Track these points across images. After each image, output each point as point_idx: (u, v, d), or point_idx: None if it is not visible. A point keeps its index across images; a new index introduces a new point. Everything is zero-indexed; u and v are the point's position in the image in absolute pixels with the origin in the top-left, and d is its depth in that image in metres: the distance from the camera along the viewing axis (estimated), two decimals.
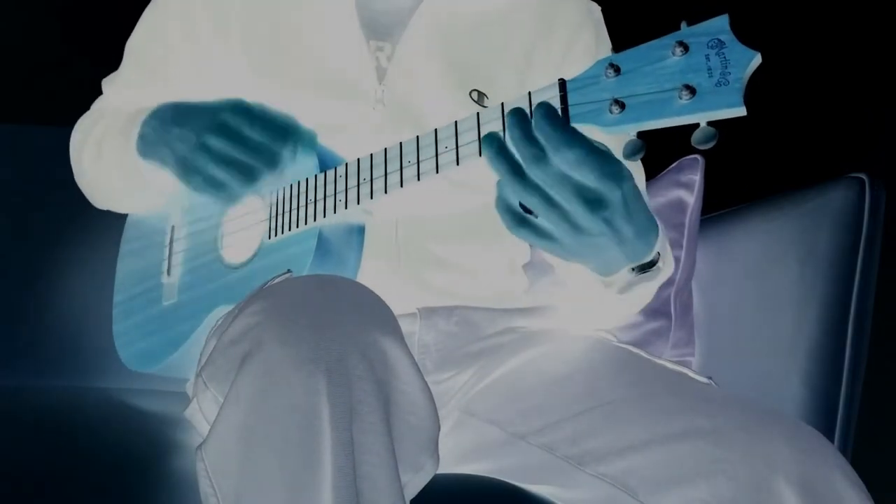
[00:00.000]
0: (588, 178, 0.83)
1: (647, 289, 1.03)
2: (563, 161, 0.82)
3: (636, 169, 1.19)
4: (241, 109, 1.05)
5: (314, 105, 1.13)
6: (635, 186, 0.87)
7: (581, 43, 1.20)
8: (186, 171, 1.08)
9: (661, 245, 0.97)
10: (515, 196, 0.84)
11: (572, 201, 0.83)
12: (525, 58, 1.19)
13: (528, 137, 0.82)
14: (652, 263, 0.96)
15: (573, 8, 1.22)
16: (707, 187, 1.55)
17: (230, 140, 1.04)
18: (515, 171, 0.83)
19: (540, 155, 0.82)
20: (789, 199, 1.41)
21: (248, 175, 1.04)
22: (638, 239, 0.90)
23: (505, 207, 0.86)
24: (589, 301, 1.08)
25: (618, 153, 0.83)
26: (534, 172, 0.83)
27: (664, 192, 1.55)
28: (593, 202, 0.84)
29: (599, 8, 1.25)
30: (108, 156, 1.21)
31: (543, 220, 0.85)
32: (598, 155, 0.82)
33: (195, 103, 1.11)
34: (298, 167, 1.07)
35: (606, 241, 0.88)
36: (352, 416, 0.78)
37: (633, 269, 0.95)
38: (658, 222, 0.97)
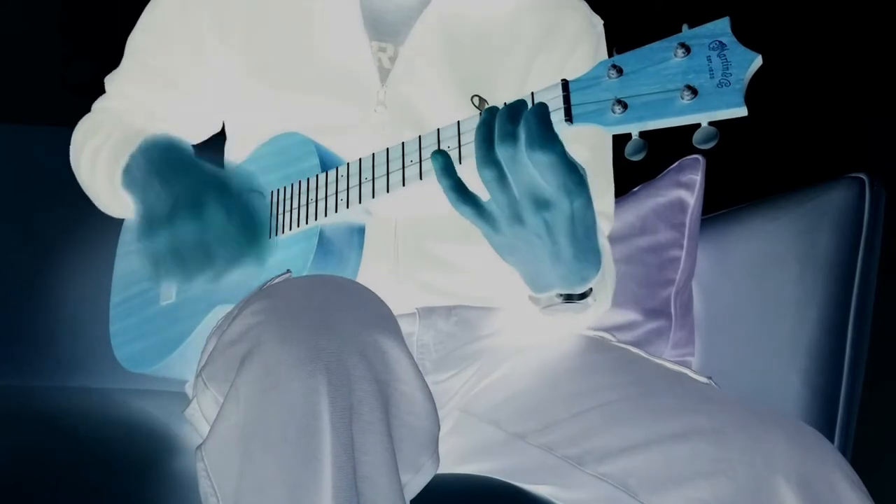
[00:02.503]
0: (548, 180, 0.85)
1: (574, 319, 1.04)
2: (532, 158, 0.84)
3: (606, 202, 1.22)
4: (223, 202, 1.02)
5: (315, 105, 1.13)
6: (591, 215, 0.89)
7: (580, 53, 1.21)
8: (146, 232, 1.05)
9: (598, 285, 0.98)
10: (477, 162, 0.86)
11: (523, 192, 0.86)
12: (526, 65, 1.19)
13: (512, 117, 0.85)
14: (582, 296, 0.96)
15: (576, 19, 1.22)
16: (707, 187, 1.55)
17: (196, 230, 1.01)
18: (488, 141, 0.86)
19: (513, 135, 0.84)
20: (789, 199, 1.42)
21: (207, 261, 1.02)
22: (575, 263, 0.91)
23: (450, 185, 0.88)
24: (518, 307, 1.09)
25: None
26: (501, 149, 0.85)
27: (665, 192, 1.55)
28: (541, 201, 0.86)
29: (602, 22, 1.25)
30: (100, 172, 1.21)
31: (490, 201, 0.88)
32: (564, 165, 0.84)
33: (185, 159, 1.09)
34: (299, 166, 1.07)
35: (542, 249, 0.89)
36: (352, 416, 0.78)
37: (559, 296, 0.96)
38: (601, 260, 0.97)
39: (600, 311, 1.07)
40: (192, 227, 1.01)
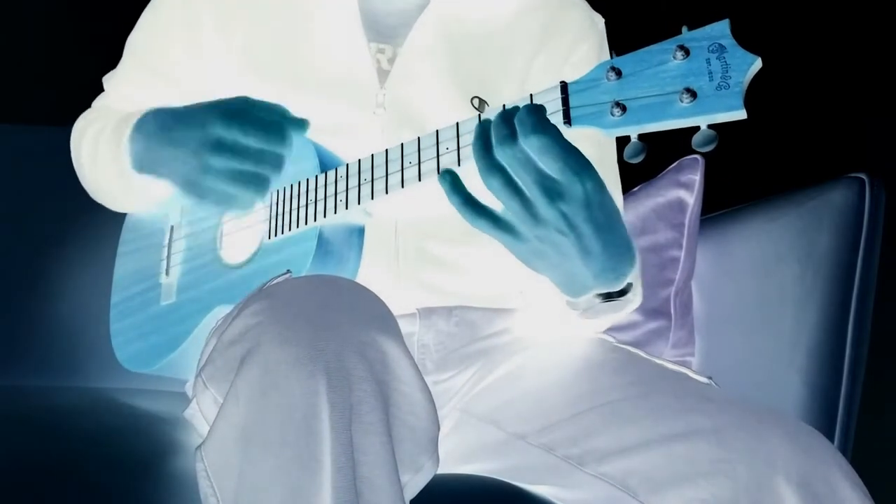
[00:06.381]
0: (551, 167, 0.84)
1: (614, 317, 1.03)
2: (530, 146, 0.83)
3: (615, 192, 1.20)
4: (231, 118, 1.04)
5: (314, 107, 1.12)
6: (609, 202, 0.88)
7: (581, 52, 1.20)
8: (197, 191, 1.07)
9: (635, 277, 0.97)
10: (480, 173, 0.86)
11: (532, 188, 0.85)
12: (526, 65, 1.19)
13: (506, 120, 0.84)
14: (622, 293, 0.95)
15: (577, 18, 1.22)
16: (707, 187, 1.55)
17: (231, 155, 1.03)
18: (486, 149, 0.85)
19: (510, 136, 0.84)
20: (789, 199, 1.42)
21: (259, 183, 1.04)
22: (606, 257, 0.90)
23: (461, 200, 0.87)
24: (552, 317, 1.09)
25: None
26: (500, 152, 0.84)
27: (664, 192, 1.55)
28: (552, 192, 0.85)
29: (603, 20, 1.25)
30: (103, 160, 1.21)
31: (505, 209, 0.87)
32: (564, 147, 0.83)
33: (181, 113, 1.10)
34: (299, 166, 1.07)
35: (568, 246, 0.88)
36: (351, 416, 0.78)
37: (599, 296, 0.95)
38: (636, 253, 0.96)
39: (634, 307, 1.04)
40: (226, 158, 1.03)
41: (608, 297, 0.95)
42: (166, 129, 1.10)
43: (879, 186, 1.32)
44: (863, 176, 1.33)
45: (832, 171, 1.39)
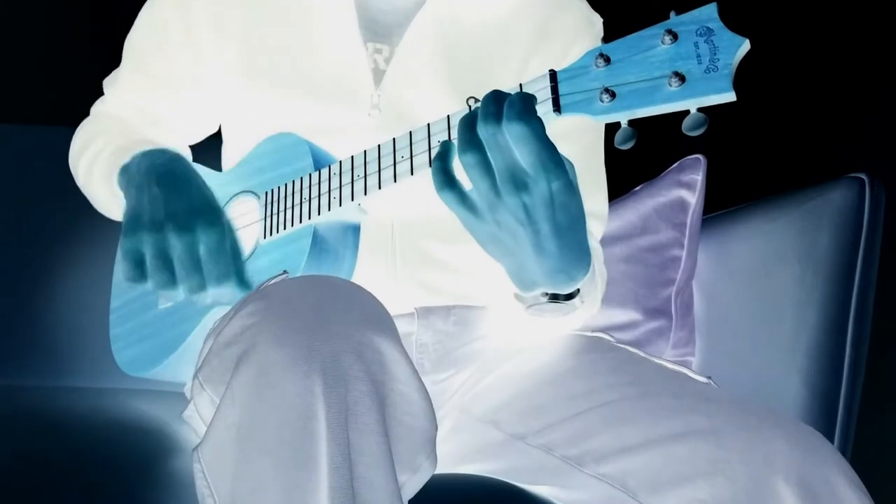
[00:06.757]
0: (524, 158, 0.85)
1: (559, 321, 1.04)
2: (510, 131, 0.84)
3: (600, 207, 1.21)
4: (215, 229, 1.03)
5: (308, 108, 1.12)
6: (576, 205, 0.88)
7: (577, 51, 1.20)
8: (131, 230, 1.05)
9: (587, 287, 0.97)
10: (459, 147, 0.87)
11: (502, 173, 0.86)
12: (523, 65, 1.18)
13: (497, 100, 0.85)
14: (569, 297, 0.96)
15: (574, 17, 1.22)
16: (708, 187, 1.55)
17: (184, 250, 1.02)
18: (471, 124, 0.87)
19: (495, 114, 0.85)
20: (789, 199, 1.41)
21: (170, 284, 1.03)
22: (560, 258, 0.91)
23: (439, 167, 0.89)
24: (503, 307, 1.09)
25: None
26: (483, 128, 0.85)
27: (666, 191, 1.55)
28: (519, 182, 0.86)
29: (601, 20, 1.25)
30: (97, 175, 1.20)
31: (472, 188, 0.88)
32: (541, 142, 0.84)
33: (190, 174, 1.09)
34: (293, 166, 1.06)
35: (524, 237, 0.89)
36: (348, 416, 0.78)
37: (545, 294, 0.96)
38: (592, 262, 0.97)
39: (587, 315, 1.06)
40: (186, 240, 1.02)
41: (555, 298, 0.96)
42: (161, 180, 1.08)
43: (879, 186, 1.32)
44: (863, 176, 1.33)
45: (832, 171, 1.39)
